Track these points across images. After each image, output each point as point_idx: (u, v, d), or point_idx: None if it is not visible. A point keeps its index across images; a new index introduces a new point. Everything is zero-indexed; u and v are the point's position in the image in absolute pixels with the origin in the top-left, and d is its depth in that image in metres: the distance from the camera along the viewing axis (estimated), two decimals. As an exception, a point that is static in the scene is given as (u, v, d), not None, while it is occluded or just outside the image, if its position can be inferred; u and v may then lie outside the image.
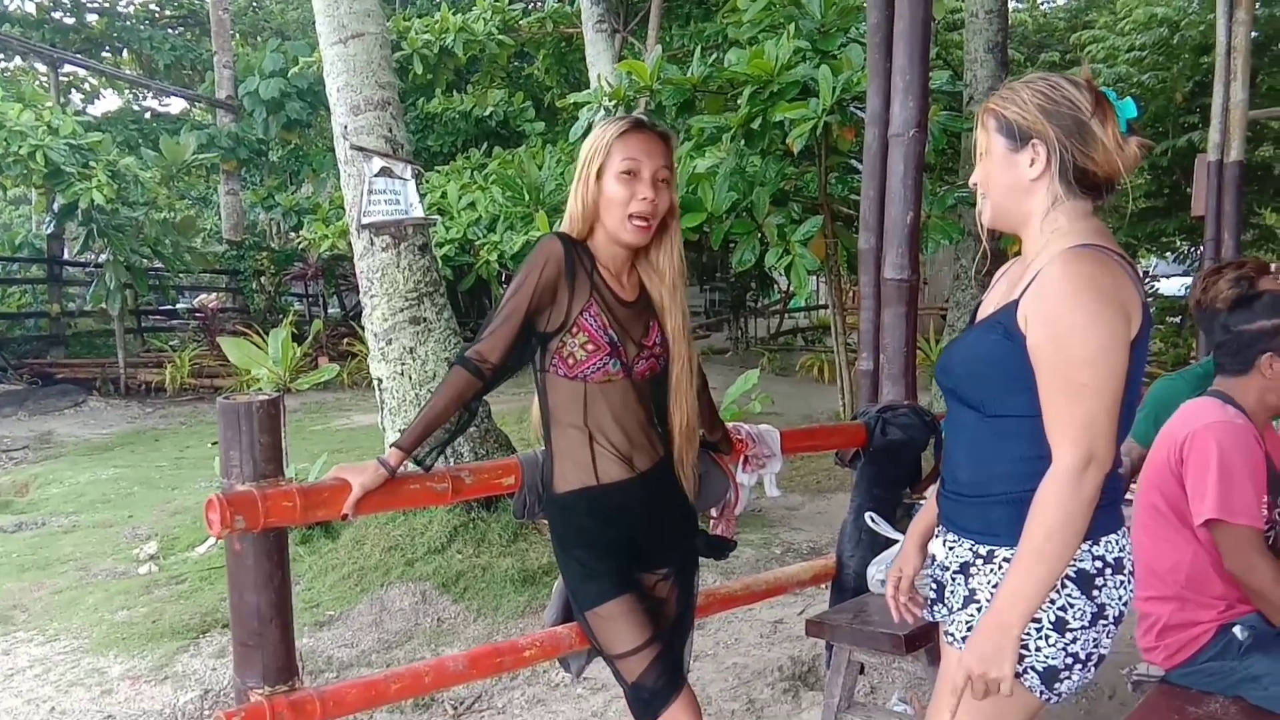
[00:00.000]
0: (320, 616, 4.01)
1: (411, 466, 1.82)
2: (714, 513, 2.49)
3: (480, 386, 1.80)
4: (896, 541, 2.79)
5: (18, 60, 18.53)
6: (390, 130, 4.99)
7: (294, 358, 10.57)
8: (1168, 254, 14.02)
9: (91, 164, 9.40)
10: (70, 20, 18.34)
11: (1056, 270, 1.50)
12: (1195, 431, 2.12)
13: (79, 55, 17.60)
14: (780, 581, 2.67)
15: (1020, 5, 16.98)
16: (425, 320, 4.91)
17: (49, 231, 11.67)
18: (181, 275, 12.88)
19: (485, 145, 14.15)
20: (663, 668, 1.83)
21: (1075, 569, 1.53)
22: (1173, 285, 15.17)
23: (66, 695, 3.35)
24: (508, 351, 1.80)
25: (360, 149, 4.89)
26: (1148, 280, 18.49)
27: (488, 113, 14.69)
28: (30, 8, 17.37)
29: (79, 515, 6.00)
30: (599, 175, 1.85)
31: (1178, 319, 12.34)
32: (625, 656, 1.83)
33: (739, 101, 6.37)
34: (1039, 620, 1.52)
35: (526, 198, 9.66)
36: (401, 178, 5.00)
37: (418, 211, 5.00)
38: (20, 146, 8.70)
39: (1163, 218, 11.66)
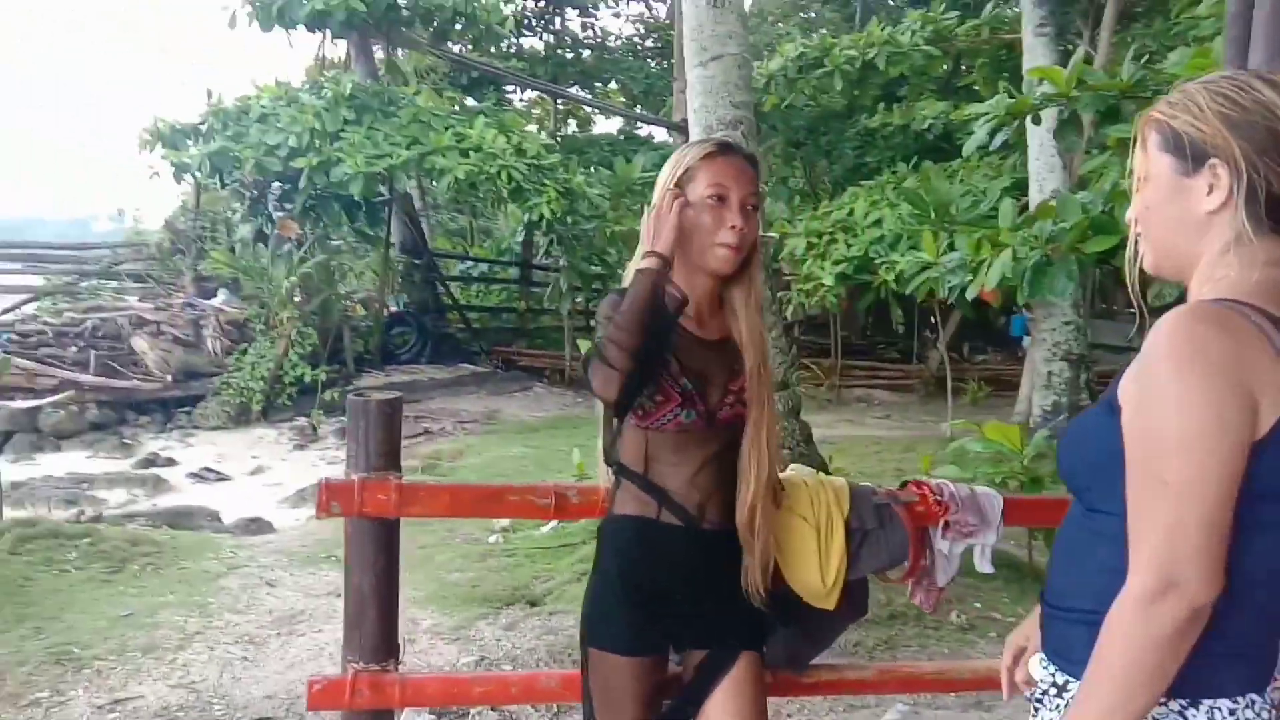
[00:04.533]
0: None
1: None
2: (891, 574, 2.20)
3: None
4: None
5: (530, 93, 21.92)
6: (739, 148, 5.09)
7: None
8: None
9: (546, 182, 10.81)
10: (570, 55, 21.20)
11: (1161, 331, 1.13)
12: None
13: (574, 86, 20.41)
14: (979, 675, 2.27)
15: None
16: (752, 337, 4.93)
17: (520, 239, 13.64)
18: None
19: (914, 160, 13.75)
20: None
21: None
22: None
23: (381, 635, 3.92)
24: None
25: (708, 167, 5.05)
26: None
27: (925, 126, 14.24)
28: (539, 45, 20.41)
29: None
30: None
31: None
32: None
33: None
34: None
35: (932, 215, 9.20)
36: (744, 195, 5.07)
37: (757, 229, 5.04)
38: (491, 166, 10.29)
39: None
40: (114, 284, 12.22)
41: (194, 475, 8.57)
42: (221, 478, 8.52)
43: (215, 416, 10.28)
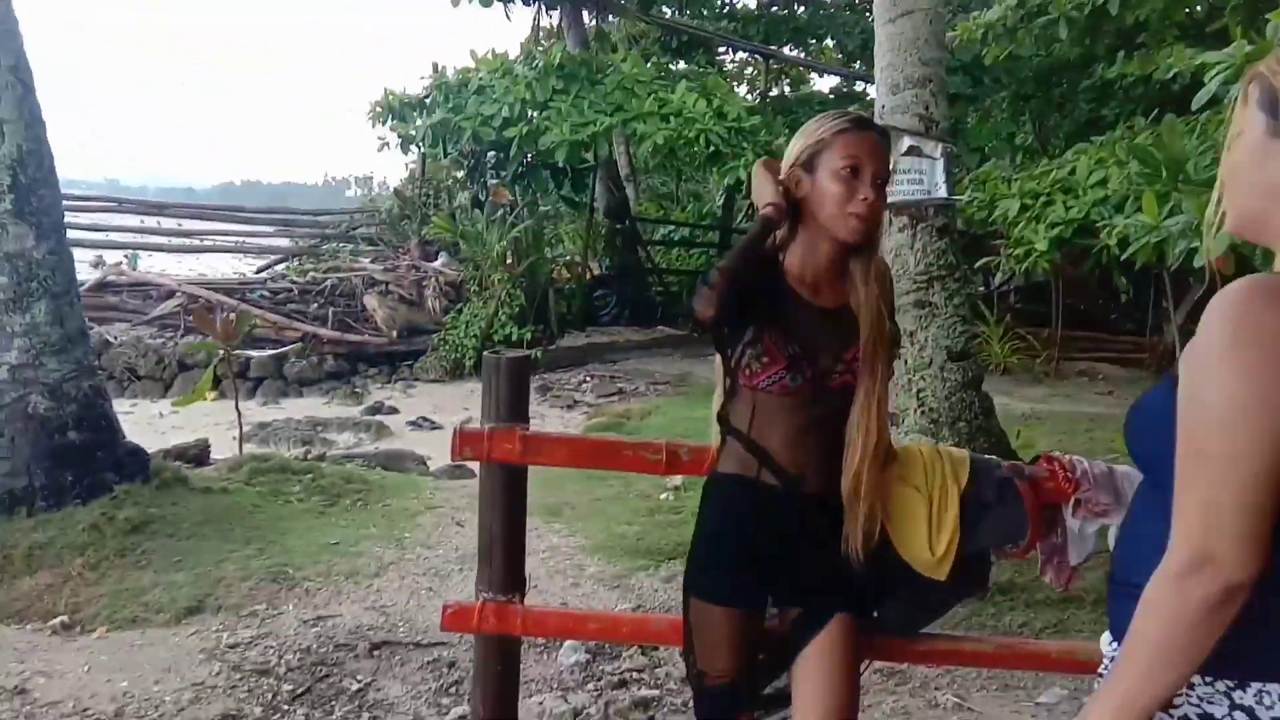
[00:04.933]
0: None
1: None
2: (1010, 550, 2.14)
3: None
4: None
5: (742, 53, 21.73)
6: (927, 108, 4.92)
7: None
8: None
9: (745, 145, 10.80)
10: (784, 13, 20.81)
11: (1217, 302, 1.11)
12: None
13: (788, 44, 20.10)
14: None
15: None
16: (931, 304, 4.80)
17: (721, 202, 13.70)
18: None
19: (1155, 112, 12.58)
20: (733, 694, 1.82)
21: (1199, 711, 1.14)
22: None
23: (549, 580, 4.20)
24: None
25: (891, 128, 4.91)
26: None
27: (1170, 76, 12.98)
28: (752, 3, 20.19)
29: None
30: (811, 170, 1.81)
31: None
32: (705, 673, 1.84)
33: None
34: None
35: (1163, 173, 8.42)
36: (930, 156, 4.91)
37: (941, 192, 4.88)
38: (690, 131, 10.41)
39: None
40: (350, 247, 13.40)
41: (412, 424, 9.35)
42: (435, 426, 9.23)
43: (433, 370, 11.12)
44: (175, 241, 17.68)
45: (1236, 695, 1.11)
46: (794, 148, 1.86)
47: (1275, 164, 1.14)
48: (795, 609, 1.90)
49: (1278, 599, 1.09)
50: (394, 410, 9.89)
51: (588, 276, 12.95)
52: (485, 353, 2.13)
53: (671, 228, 15.47)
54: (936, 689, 3.39)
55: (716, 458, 1.94)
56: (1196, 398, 1.10)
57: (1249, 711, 1.10)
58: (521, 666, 3.47)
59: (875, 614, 2.10)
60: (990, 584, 2.23)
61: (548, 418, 9.89)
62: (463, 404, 10.18)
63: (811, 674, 1.84)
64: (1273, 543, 1.07)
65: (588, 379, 11.11)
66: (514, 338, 11.12)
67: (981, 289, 14.96)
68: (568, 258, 13.06)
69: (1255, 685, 1.11)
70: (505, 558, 2.08)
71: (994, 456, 2.21)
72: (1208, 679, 1.12)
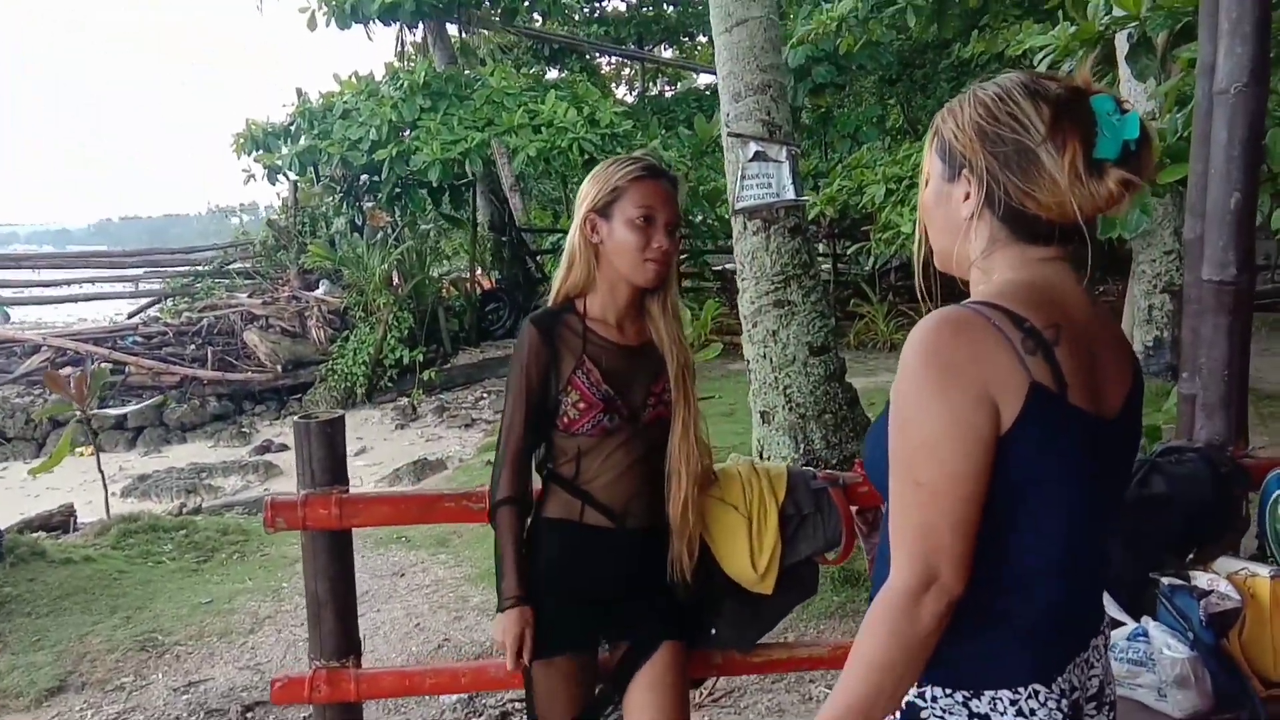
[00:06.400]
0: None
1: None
2: (829, 556, 2.22)
3: (522, 509, 1.89)
4: (1124, 625, 2.20)
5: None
6: (769, 113, 5.02)
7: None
8: None
9: (619, 150, 10.86)
10: (653, 13, 20.99)
11: (911, 336, 1.19)
12: None
13: (661, 44, 20.31)
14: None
15: None
16: (790, 303, 4.90)
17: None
18: (710, 242, 14.17)
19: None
20: None
21: None
22: None
23: (433, 615, 4.17)
24: (527, 466, 1.90)
25: (737, 135, 5.02)
26: None
27: (1019, 53, 13.55)
28: (622, 6, 20.31)
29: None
30: (607, 217, 1.84)
31: None
32: None
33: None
34: None
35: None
36: (776, 160, 5.02)
37: (790, 194, 4.99)
38: (562, 140, 10.42)
39: None
40: (226, 282, 13.00)
41: (303, 460, 9.12)
42: (327, 461, 9.02)
43: (323, 401, 10.87)
44: (44, 293, 16.86)
45: (973, 704, 1.18)
46: (589, 191, 1.88)
47: (950, 205, 1.25)
48: (624, 642, 1.93)
49: (1015, 609, 1.18)
50: (284, 447, 9.63)
51: (477, 291, 12.84)
52: (295, 418, 2.11)
53: (560, 235, 15.44)
54: (811, 682, 3.48)
55: (539, 503, 1.95)
56: (901, 429, 1.16)
57: (984, 718, 1.17)
58: (404, 709, 3.47)
59: (714, 632, 2.16)
60: (818, 587, 2.29)
61: (445, 439, 9.79)
62: (355, 433, 9.99)
63: (642, 703, 1.88)
64: (979, 556, 1.14)
65: (485, 395, 11.02)
66: (405, 360, 10.96)
67: (867, 270, 15.38)
68: (455, 275, 12.92)
69: (989, 693, 1.18)
70: (336, 623, 2.06)
71: (809, 468, 2.29)
72: (947, 691, 1.19)
